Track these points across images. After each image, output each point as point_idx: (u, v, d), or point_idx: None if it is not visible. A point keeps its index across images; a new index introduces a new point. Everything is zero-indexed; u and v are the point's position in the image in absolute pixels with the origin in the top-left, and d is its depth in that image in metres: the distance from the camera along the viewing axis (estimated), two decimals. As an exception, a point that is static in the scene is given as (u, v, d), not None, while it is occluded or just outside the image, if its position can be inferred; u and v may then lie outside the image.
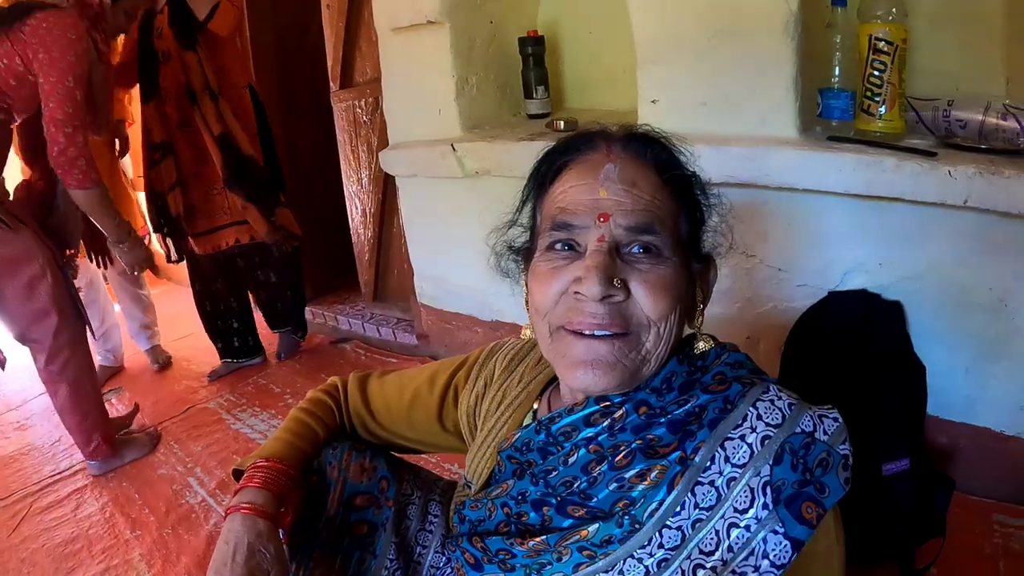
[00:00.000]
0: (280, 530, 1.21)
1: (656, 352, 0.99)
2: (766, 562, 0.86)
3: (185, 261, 3.76)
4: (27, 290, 2.70)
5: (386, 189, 3.86)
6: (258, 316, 4.03)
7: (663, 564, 0.90)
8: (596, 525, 0.95)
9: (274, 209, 3.60)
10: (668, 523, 0.91)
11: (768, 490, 0.87)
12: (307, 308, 4.51)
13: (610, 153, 1.02)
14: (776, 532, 0.86)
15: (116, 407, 3.61)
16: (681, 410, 0.97)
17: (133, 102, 3.92)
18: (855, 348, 2.00)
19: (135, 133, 3.78)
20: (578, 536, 0.96)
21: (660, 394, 1.01)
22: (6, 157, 2.83)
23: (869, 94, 1.99)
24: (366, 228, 4.11)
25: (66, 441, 3.22)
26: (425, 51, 2.97)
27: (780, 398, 0.92)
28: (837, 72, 2.08)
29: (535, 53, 2.95)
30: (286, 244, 3.69)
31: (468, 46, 2.94)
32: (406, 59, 3.11)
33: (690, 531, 0.90)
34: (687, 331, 1.08)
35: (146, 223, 3.81)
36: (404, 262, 3.65)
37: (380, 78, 3.31)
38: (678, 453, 0.93)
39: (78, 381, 2.86)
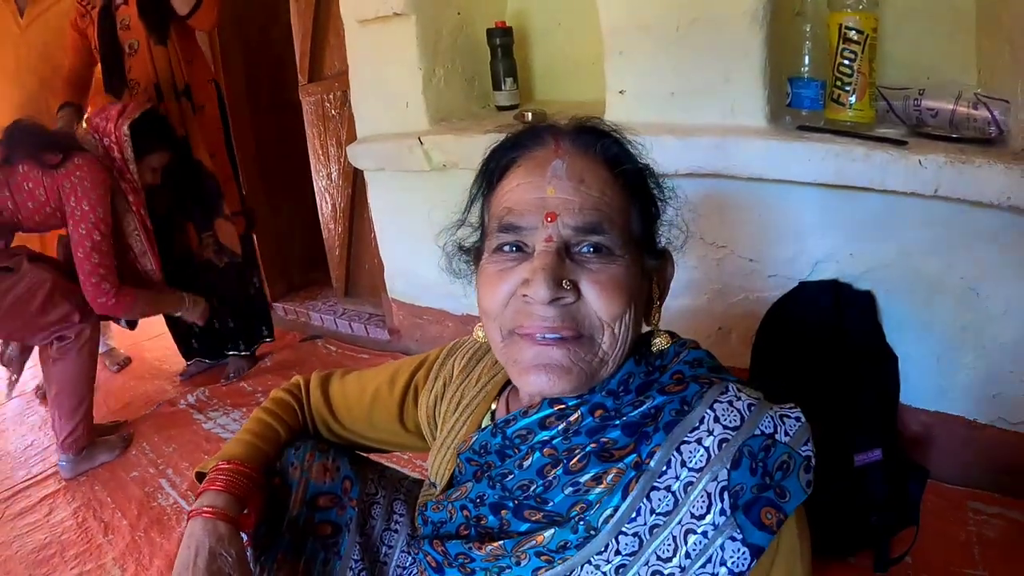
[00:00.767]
0: (243, 533, 1.20)
1: (613, 354, 0.96)
2: (724, 569, 0.83)
3: None
4: (44, 306, 2.81)
5: (355, 184, 3.84)
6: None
7: (621, 570, 0.88)
8: (552, 531, 0.93)
9: (211, 222, 3.48)
10: (624, 529, 0.89)
11: (726, 495, 0.84)
12: (279, 304, 4.50)
13: (558, 149, 0.98)
14: (734, 539, 0.83)
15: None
16: (636, 412, 0.94)
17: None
18: (826, 338, 2.00)
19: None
20: (534, 541, 0.94)
21: (617, 396, 0.98)
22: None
23: (839, 83, 1.99)
24: (336, 223, 4.09)
25: (38, 446, 3.19)
26: (392, 43, 2.95)
27: (739, 399, 0.89)
28: (807, 61, 2.08)
29: (503, 44, 2.93)
30: (217, 260, 3.52)
31: (435, 38, 2.92)
32: (373, 52, 3.08)
33: (647, 537, 0.88)
34: (645, 328, 1.06)
35: None
36: (375, 257, 3.62)
37: (348, 71, 3.29)
38: (633, 456, 0.90)
39: (91, 356, 2.95)
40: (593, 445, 0.94)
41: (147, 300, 3.09)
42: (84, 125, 3.21)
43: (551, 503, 0.95)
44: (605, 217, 0.94)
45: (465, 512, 1.07)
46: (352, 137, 3.45)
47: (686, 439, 0.88)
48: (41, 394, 3.73)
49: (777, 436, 0.86)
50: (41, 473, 3.01)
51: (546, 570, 0.93)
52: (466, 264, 1.14)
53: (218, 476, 1.20)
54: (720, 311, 2.35)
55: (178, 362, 3.95)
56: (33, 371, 3.67)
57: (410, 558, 1.33)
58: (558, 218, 0.93)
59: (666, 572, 0.86)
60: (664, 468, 0.88)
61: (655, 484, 0.88)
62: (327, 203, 4.11)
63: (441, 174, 2.88)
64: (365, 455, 1.47)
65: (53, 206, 2.76)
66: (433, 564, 1.09)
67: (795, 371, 2.00)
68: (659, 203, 1.06)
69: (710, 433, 0.87)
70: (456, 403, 1.24)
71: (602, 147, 0.99)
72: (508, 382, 1.18)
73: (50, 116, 3.42)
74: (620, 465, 0.91)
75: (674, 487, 0.87)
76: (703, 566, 0.84)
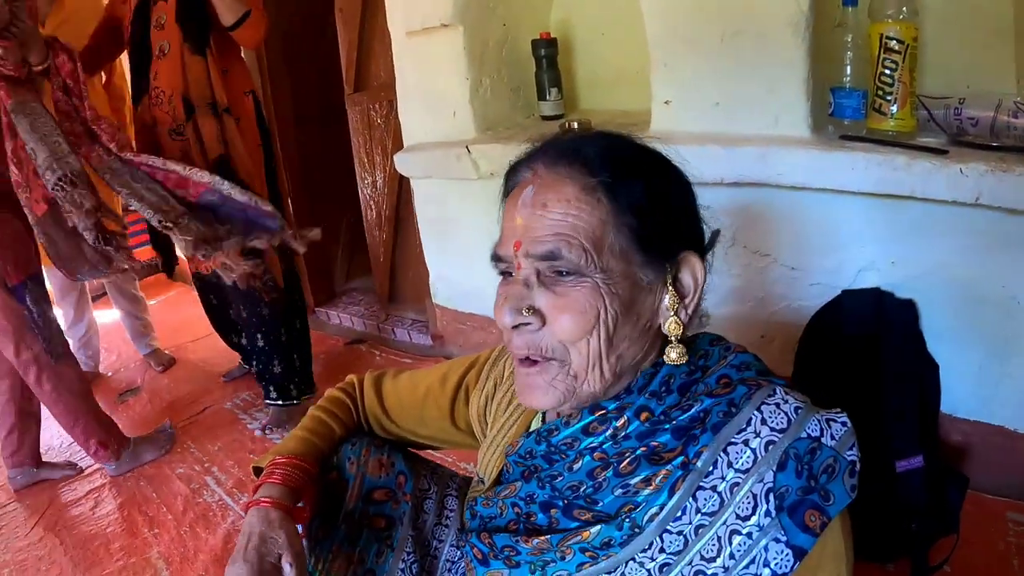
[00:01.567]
0: (299, 524, 1.23)
1: (587, 371, 0.96)
2: (767, 571, 0.85)
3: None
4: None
5: (400, 191, 3.87)
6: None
7: (665, 568, 0.90)
8: (598, 527, 0.95)
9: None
10: (669, 528, 0.90)
11: (771, 497, 0.86)
12: (322, 310, 4.54)
13: (534, 176, 0.99)
14: (778, 540, 0.85)
15: (133, 408, 3.65)
16: (685, 416, 0.94)
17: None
18: (869, 346, 2.00)
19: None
20: (580, 537, 0.96)
21: (659, 397, 0.98)
22: None
23: (880, 93, 2.00)
24: (381, 230, 4.13)
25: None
26: (439, 54, 2.99)
27: (786, 401, 0.90)
28: (848, 71, 2.08)
29: (548, 55, 2.96)
30: (262, 293, 3.20)
31: (481, 48, 2.95)
32: (420, 62, 3.12)
33: (692, 536, 0.89)
34: (698, 328, 1.06)
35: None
36: (419, 263, 3.66)
37: (394, 81, 3.33)
38: (681, 458, 0.92)
39: (56, 391, 2.83)
40: (643, 449, 0.95)
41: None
42: None
43: (601, 503, 0.97)
44: (563, 240, 0.93)
45: (516, 509, 1.09)
46: (397, 146, 3.48)
47: (733, 440, 0.89)
48: None
49: (823, 440, 0.87)
50: (89, 467, 3.08)
51: (590, 565, 0.95)
52: None
53: (275, 469, 1.25)
54: (763, 319, 2.36)
55: (222, 363, 4.01)
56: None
57: (459, 552, 1.35)
58: (521, 246, 0.96)
59: (709, 572, 0.88)
60: (711, 468, 0.89)
61: (701, 484, 0.89)
62: (372, 210, 4.14)
63: (488, 183, 2.90)
64: (418, 452, 1.50)
65: None
66: (479, 556, 1.11)
67: (837, 379, 2.00)
68: (664, 208, 0.98)
69: (757, 435, 0.88)
70: (507, 403, 1.26)
71: (581, 156, 0.97)
72: None
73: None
74: (668, 467, 0.92)
75: (720, 487, 0.88)
76: (746, 567, 0.86)
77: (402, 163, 3.30)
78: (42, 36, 2.59)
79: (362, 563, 1.29)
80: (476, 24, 2.91)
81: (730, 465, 0.89)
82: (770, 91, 2.14)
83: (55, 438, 3.36)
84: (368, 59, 3.88)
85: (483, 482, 1.26)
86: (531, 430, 1.13)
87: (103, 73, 3.78)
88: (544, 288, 0.95)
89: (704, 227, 1.06)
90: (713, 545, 0.88)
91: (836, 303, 2.10)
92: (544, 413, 1.18)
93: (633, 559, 0.91)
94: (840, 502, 0.85)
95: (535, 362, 0.98)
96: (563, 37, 3.07)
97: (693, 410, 0.94)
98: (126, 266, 2.80)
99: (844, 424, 0.89)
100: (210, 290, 3.56)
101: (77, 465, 3.10)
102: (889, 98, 1.98)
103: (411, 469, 1.39)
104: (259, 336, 3.27)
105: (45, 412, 2.94)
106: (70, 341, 3.80)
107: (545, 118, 3.05)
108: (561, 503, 1.01)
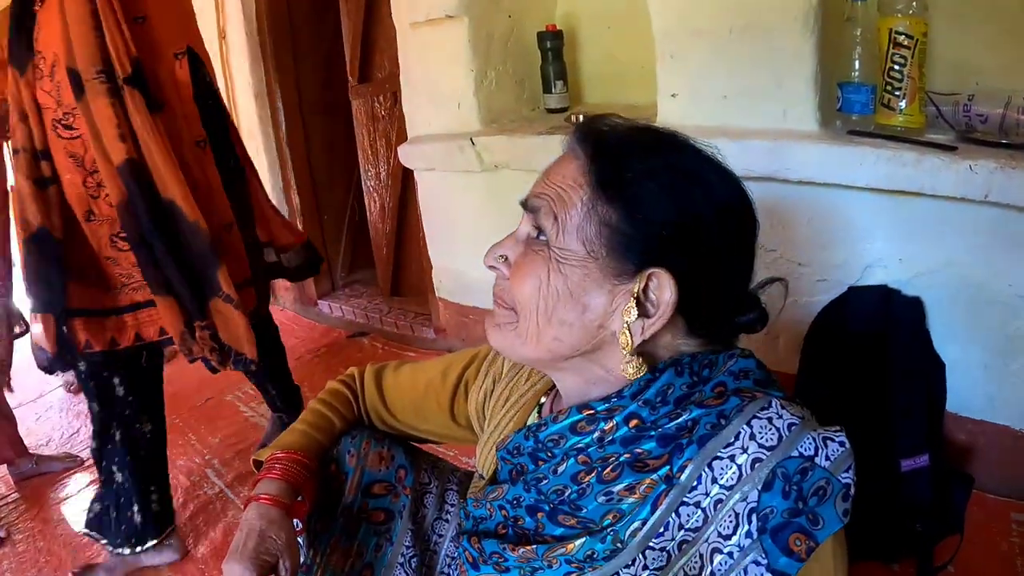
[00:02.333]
0: (296, 520, 1.23)
1: (529, 335, 0.97)
2: None
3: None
4: None
5: (404, 183, 3.87)
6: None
7: None
8: (583, 540, 0.93)
9: (205, 305, 2.20)
10: (652, 544, 0.87)
11: (753, 517, 0.82)
12: (324, 302, 4.54)
13: (567, 148, 1.00)
14: (758, 563, 0.81)
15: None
16: (672, 424, 0.90)
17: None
18: (875, 344, 1.99)
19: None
20: (564, 549, 0.94)
21: (654, 407, 0.94)
22: None
23: (889, 88, 1.99)
24: (384, 223, 4.13)
25: (84, 433, 3.25)
26: (443, 45, 2.98)
27: (780, 416, 0.84)
28: (857, 66, 2.07)
29: (553, 47, 2.95)
30: (215, 363, 2.31)
31: (487, 40, 2.94)
32: (424, 53, 3.11)
33: (676, 552, 0.86)
34: (690, 343, 0.98)
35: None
36: (422, 256, 3.66)
37: (398, 73, 3.32)
38: (666, 469, 0.88)
39: None
40: (627, 455, 0.93)
41: None
42: None
43: (585, 510, 0.94)
44: (545, 203, 0.94)
45: (503, 512, 1.07)
46: (401, 138, 3.48)
47: (719, 455, 0.85)
48: (70, 386, 3.80)
49: (817, 459, 0.82)
50: (88, 460, 3.04)
51: None
52: None
53: (274, 464, 1.25)
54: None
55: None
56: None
57: (457, 549, 1.35)
58: (528, 200, 0.98)
59: None
60: (695, 483, 0.86)
61: (684, 499, 0.86)
62: (375, 203, 4.14)
63: (492, 175, 2.90)
64: (419, 446, 1.49)
65: None
66: (470, 560, 1.09)
67: (843, 376, 1.99)
68: (652, 221, 0.91)
69: (744, 451, 0.84)
70: (504, 399, 1.25)
71: (594, 142, 0.96)
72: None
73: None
74: (653, 476, 0.89)
75: (704, 503, 0.85)
76: None
77: (406, 155, 3.29)
78: None
79: (360, 556, 1.28)
80: (481, 16, 2.90)
81: (714, 481, 0.85)
82: (778, 84, 2.13)
83: (55, 430, 3.36)
84: (372, 51, 3.88)
85: (483, 478, 1.25)
86: (530, 423, 1.13)
87: None
88: (523, 246, 0.98)
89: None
90: (696, 562, 0.85)
91: (843, 300, 2.09)
92: (540, 411, 1.18)
93: (617, 574, 0.89)
94: (830, 527, 0.80)
95: (500, 305, 1.02)
96: (569, 29, 3.06)
97: (681, 418, 0.90)
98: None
99: (842, 444, 0.83)
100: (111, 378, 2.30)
101: (77, 457, 3.08)
102: (898, 93, 1.97)
103: (411, 463, 1.38)
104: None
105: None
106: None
107: (550, 111, 3.04)
108: (547, 507, 1.00)
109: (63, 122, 2.04)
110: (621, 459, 0.92)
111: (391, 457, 1.36)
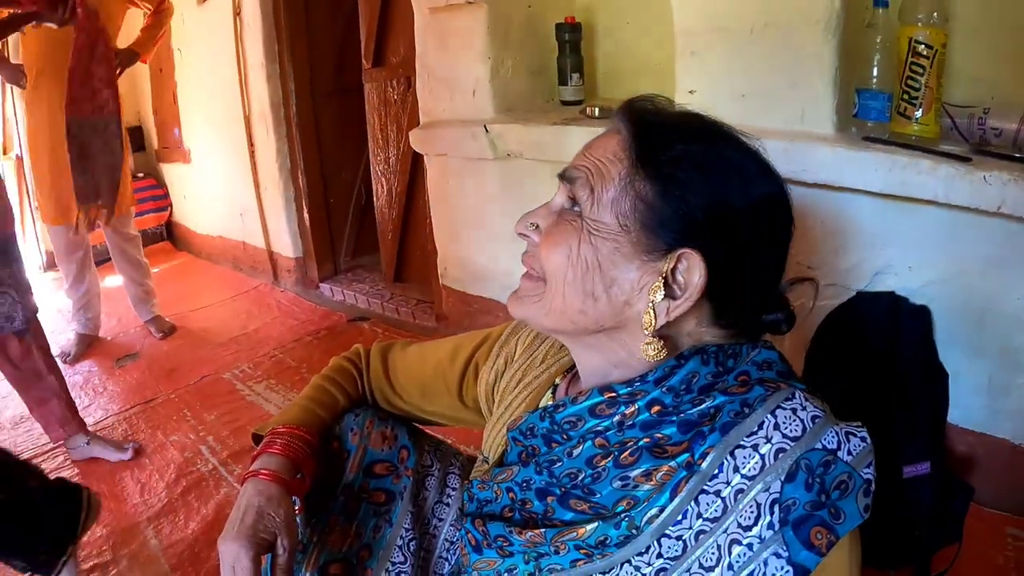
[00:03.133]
0: (296, 497, 1.22)
1: (554, 304, 0.96)
2: None
3: None
4: None
5: (413, 169, 3.87)
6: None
7: (661, 574, 0.86)
8: (595, 524, 0.92)
9: None
10: (668, 532, 0.86)
11: (776, 509, 0.80)
12: (327, 285, 4.55)
13: (612, 124, 0.99)
14: (779, 556, 0.79)
15: (130, 373, 3.65)
16: (695, 410, 0.89)
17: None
18: (881, 350, 1.99)
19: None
20: (575, 534, 0.93)
21: (677, 395, 0.93)
22: None
23: (906, 97, 1.98)
24: (391, 208, 4.13)
25: (78, 404, 3.23)
26: (462, 31, 2.98)
27: (804, 408, 0.84)
28: (875, 73, 2.07)
29: (571, 40, 2.94)
30: None
31: (505, 28, 2.94)
32: (442, 38, 3.11)
33: (692, 543, 0.84)
34: (714, 333, 0.96)
35: None
36: (427, 243, 3.65)
37: (413, 58, 3.32)
38: (686, 456, 0.87)
39: None
40: (646, 440, 0.91)
41: None
42: None
43: (598, 495, 0.93)
44: (583, 174, 0.94)
45: (511, 495, 1.06)
46: (413, 123, 3.48)
47: (742, 443, 0.84)
48: (66, 357, 3.81)
49: (840, 453, 0.81)
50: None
51: (584, 563, 0.92)
52: None
53: (275, 439, 1.22)
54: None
55: (223, 333, 4.05)
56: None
57: (457, 533, 1.34)
58: (566, 171, 0.98)
59: None
60: (716, 471, 0.84)
61: (705, 487, 0.84)
62: (383, 187, 4.14)
63: (504, 163, 2.90)
64: (422, 428, 1.48)
65: None
66: (473, 542, 1.09)
67: (848, 381, 1.99)
68: (687, 201, 0.90)
69: (768, 440, 0.83)
70: (516, 381, 1.24)
71: (638, 120, 0.95)
72: (573, 365, 1.15)
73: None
74: (672, 463, 0.88)
75: (724, 493, 0.83)
76: None
77: (418, 140, 3.29)
78: None
79: (359, 537, 1.26)
80: (502, 3, 2.90)
81: (736, 470, 0.83)
82: (796, 86, 2.12)
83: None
84: (388, 35, 3.88)
85: (487, 461, 1.24)
86: (542, 405, 1.12)
87: None
88: (555, 216, 0.98)
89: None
90: (712, 553, 0.83)
91: (851, 305, 2.08)
92: (554, 393, 1.17)
93: (629, 561, 0.88)
94: (851, 521, 0.79)
95: (526, 274, 1.01)
96: (587, 23, 3.05)
97: (704, 404, 0.89)
98: None
99: (864, 440, 0.83)
100: None
101: (135, 444, 2.94)
102: (915, 102, 1.97)
103: (414, 444, 1.37)
104: None
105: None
106: (69, 302, 3.82)
107: (565, 103, 3.03)
108: (558, 491, 0.99)
109: None
110: (640, 443, 0.91)
111: (394, 437, 1.34)
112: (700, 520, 0.84)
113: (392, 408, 1.43)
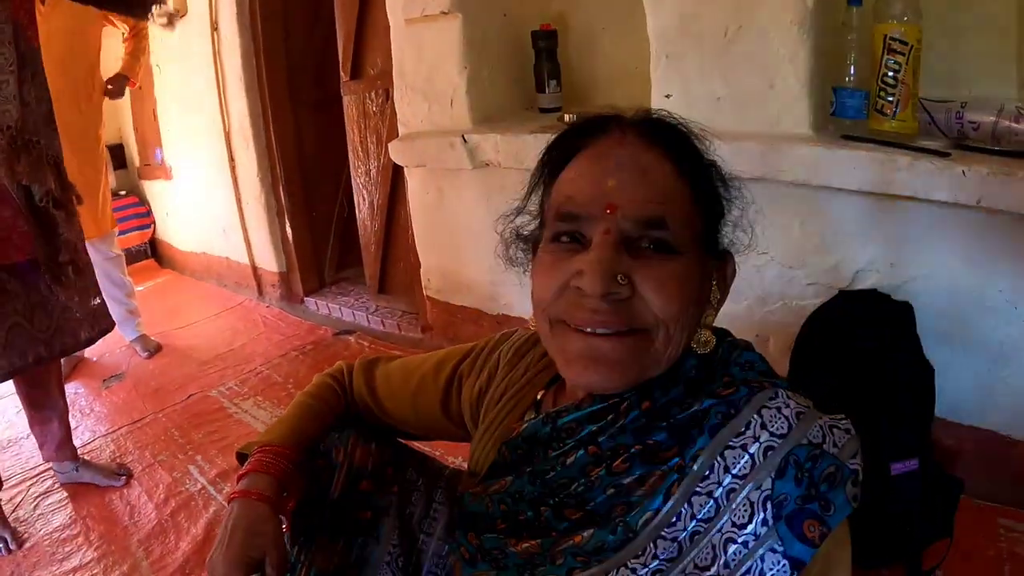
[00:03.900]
0: (282, 516, 1.21)
1: (666, 354, 0.92)
2: None
3: None
4: None
5: (394, 181, 3.86)
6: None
7: (658, 574, 0.86)
8: (591, 531, 0.92)
9: None
10: (663, 534, 0.87)
11: (769, 505, 0.82)
12: (312, 299, 4.53)
13: (623, 139, 0.94)
14: (775, 551, 0.81)
15: (117, 394, 3.62)
16: (684, 414, 0.92)
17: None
18: (865, 348, 1.99)
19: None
20: (572, 542, 0.93)
21: (665, 388, 0.95)
22: None
23: (883, 94, 1.99)
24: (373, 220, 4.12)
25: (82, 428, 3.23)
26: (438, 42, 2.98)
27: (788, 405, 0.86)
28: (852, 71, 2.07)
29: (547, 47, 2.95)
30: None
31: (481, 38, 2.95)
32: (418, 50, 3.11)
33: (688, 544, 0.86)
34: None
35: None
36: (410, 255, 3.65)
37: (391, 69, 3.32)
38: (677, 459, 0.89)
39: None
40: (638, 447, 0.93)
41: None
42: None
43: (592, 503, 0.94)
44: (667, 211, 0.89)
45: (503, 507, 1.06)
46: (392, 135, 3.47)
47: (731, 444, 0.86)
48: None
49: (825, 446, 0.83)
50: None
51: (581, 571, 0.91)
52: (523, 253, 1.12)
53: (261, 458, 1.22)
54: (758, 318, 2.35)
55: (209, 350, 4.01)
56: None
57: (447, 547, 1.32)
58: (618, 210, 0.89)
59: None
60: (707, 472, 0.86)
61: (697, 488, 0.86)
62: (364, 200, 4.13)
63: (483, 173, 2.90)
64: (407, 443, 1.46)
65: None
66: (466, 556, 1.08)
67: (833, 380, 1.99)
68: (725, 201, 1.01)
69: (756, 440, 0.85)
70: (500, 394, 1.23)
71: (668, 139, 0.95)
72: (556, 376, 1.15)
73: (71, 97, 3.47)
74: (664, 468, 0.89)
75: (716, 493, 0.85)
76: None
77: (397, 152, 3.28)
78: None
79: (346, 555, 1.25)
80: (476, 13, 2.91)
81: (727, 470, 0.86)
82: (772, 87, 2.13)
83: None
84: (365, 47, 3.88)
85: (475, 475, 1.23)
86: (528, 418, 1.12)
87: None
88: (633, 259, 0.89)
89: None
90: (708, 553, 0.84)
91: (833, 303, 2.09)
92: (540, 405, 1.16)
93: (625, 565, 0.88)
94: (841, 512, 0.81)
95: (612, 335, 0.90)
96: (563, 29, 3.06)
97: (692, 408, 0.92)
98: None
99: (847, 431, 0.85)
100: None
101: (128, 470, 2.89)
102: (891, 99, 1.98)
103: (399, 460, 1.36)
104: None
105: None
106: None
107: (543, 110, 3.04)
108: (551, 501, 0.99)
109: None
110: (632, 451, 0.93)
111: (378, 453, 1.33)
112: (694, 521, 0.86)
113: (377, 423, 1.42)
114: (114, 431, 3.21)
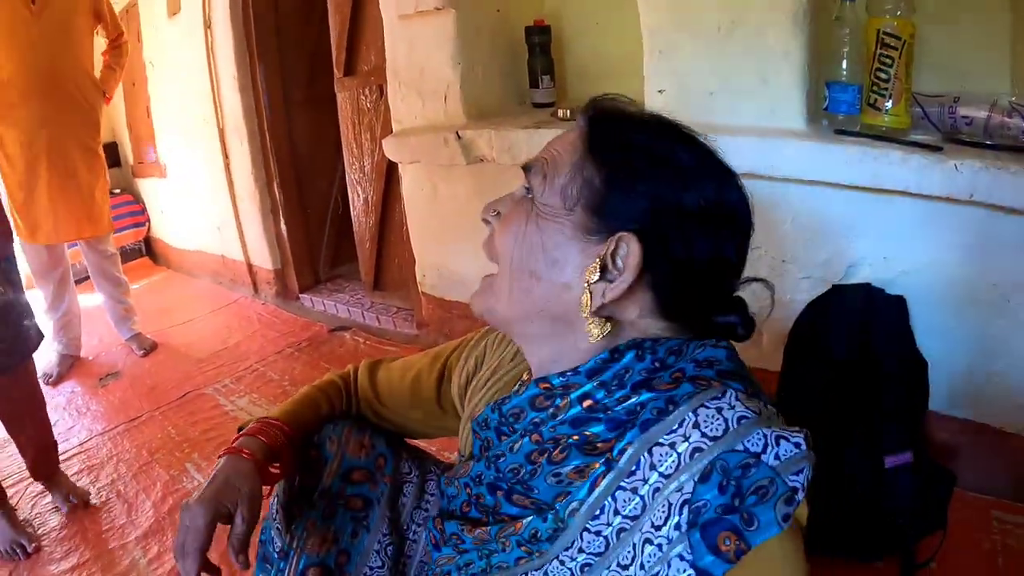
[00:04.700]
0: (268, 485, 1.24)
1: (502, 288, 0.96)
2: None
3: None
4: None
5: (388, 177, 3.85)
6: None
7: (586, 569, 0.86)
8: (529, 518, 0.93)
9: None
10: (588, 526, 0.86)
11: (685, 510, 0.78)
12: (307, 296, 4.53)
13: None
14: (683, 558, 0.77)
15: (113, 392, 3.63)
16: (622, 407, 0.89)
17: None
18: (858, 342, 2.00)
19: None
20: (513, 529, 0.94)
21: (609, 390, 0.91)
22: None
23: (876, 88, 1.99)
24: (367, 216, 4.12)
25: (62, 425, 3.23)
26: (431, 38, 2.98)
27: (732, 407, 0.80)
28: (844, 66, 2.08)
29: (541, 42, 2.95)
30: None
31: (474, 34, 2.95)
32: (412, 46, 3.11)
33: (614, 540, 0.84)
34: (659, 326, 0.94)
35: None
36: (405, 251, 3.65)
37: (384, 66, 3.32)
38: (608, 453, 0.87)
39: None
40: (575, 437, 0.92)
41: None
42: None
43: (536, 491, 0.95)
44: (540, 163, 0.95)
45: (468, 490, 1.08)
46: (386, 131, 3.47)
47: (660, 441, 0.82)
48: (48, 379, 3.77)
49: (764, 457, 0.77)
50: (65, 452, 3.01)
51: (526, 561, 0.93)
52: None
53: (257, 427, 1.27)
54: (752, 312, 2.33)
55: (205, 348, 4.01)
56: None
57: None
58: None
59: None
60: (633, 468, 0.83)
61: (622, 484, 0.84)
62: (359, 196, 4.13)
63: (477, 168, 2.91)
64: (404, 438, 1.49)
65: None
66: (433, 541, 1.11)
67: (827, 374, 2.00)
68: (639, 180, 0.90)
69: (686, 439, 0.80)
70: (485, 380, 1.25)
71: (590, 113, 0.97)
72: None
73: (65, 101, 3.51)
74: (600, 459, 0.88)
75: (642, 491, 0.82)
76: None
77: (390, 148, 3.29)
78: None
79: (336, 542, 1.27)
80: (469, 9, 2.91)
81: (653, 467, 0.82)
82: (766, 82, 2.14)
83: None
84: (359, 43, 3.87)
85: (463, 458, 1.25)
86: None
87: None
88: (513, 203, 0.99)
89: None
90: (629, 552, 0.82)
91: (827, 298, 2.10)
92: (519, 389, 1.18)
93: (558, 557, 0.89)
94: (766, 531, 0.74)
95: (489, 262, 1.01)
96: (557, 25, 3.06)
97: (630, 401, 0.88)
98: None
99: (797, 446, 0.78)
100: None
101: (87, 494, 2.75)
102: (884, 94, 1.98)
103: (392, 452, 1.38)
104: None
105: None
106: (48, 324, 3.78)
107: (537, 105, 3.04)
108: (505, 486, 1.00)
109: None
110: (570, 441, 0.92)
111: (372, 445, 1.35)
112: (619, 517, 0.84)
113: (384, 422, 1.44)
114: (111, 429, 3.21)
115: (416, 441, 1.55)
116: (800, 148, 2.03)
